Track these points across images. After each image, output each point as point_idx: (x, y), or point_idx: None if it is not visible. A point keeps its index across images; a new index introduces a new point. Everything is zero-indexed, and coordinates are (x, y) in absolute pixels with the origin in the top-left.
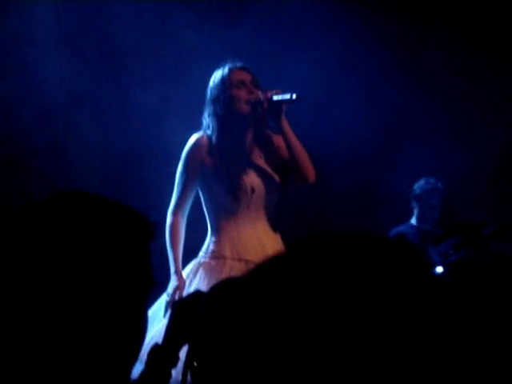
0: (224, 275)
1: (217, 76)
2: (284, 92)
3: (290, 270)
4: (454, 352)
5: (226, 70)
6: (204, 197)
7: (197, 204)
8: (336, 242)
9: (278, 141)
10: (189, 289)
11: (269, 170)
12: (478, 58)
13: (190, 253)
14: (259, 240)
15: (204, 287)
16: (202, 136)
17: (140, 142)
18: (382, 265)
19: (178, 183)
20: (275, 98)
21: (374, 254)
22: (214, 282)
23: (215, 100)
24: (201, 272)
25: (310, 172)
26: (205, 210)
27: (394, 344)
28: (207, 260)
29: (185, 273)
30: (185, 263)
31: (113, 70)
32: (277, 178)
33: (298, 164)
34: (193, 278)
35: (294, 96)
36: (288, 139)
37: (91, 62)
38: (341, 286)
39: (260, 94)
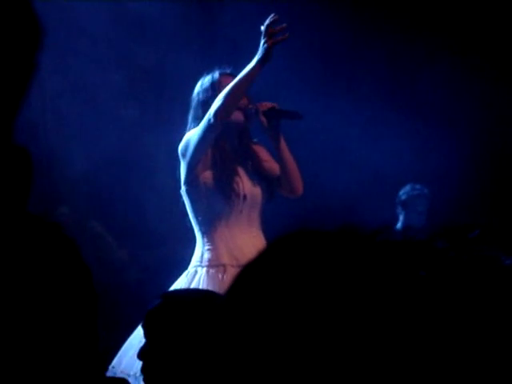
0: (226, 283)
1: (206, 80)
2: (281, 107)
3: (268, 273)
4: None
5: (217, 74)
6: (193, 205)
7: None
8: (316, 239)
9: (262, 152)
10: None
11: (257, 178)
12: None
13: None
14: (254, 245)
15: None
16: None
17: (123, 156)
18: (361, 264)
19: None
20: (276, 109)
21: (351, 253)
22: (217, 291)
23: (204, 103)
24: (201, 281)
25: (299, 185)
26: (193, 219)
27: (384, 343)
28: (205, 269)
29: (178, 285)
30: (173, 276)
31: (93, 86)
32: (264, 186)
33: (289, 177)
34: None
35: (297, 113)
36: (282, 153)
37: (71, 79)
38: (319, 287)
39: (256, 104)
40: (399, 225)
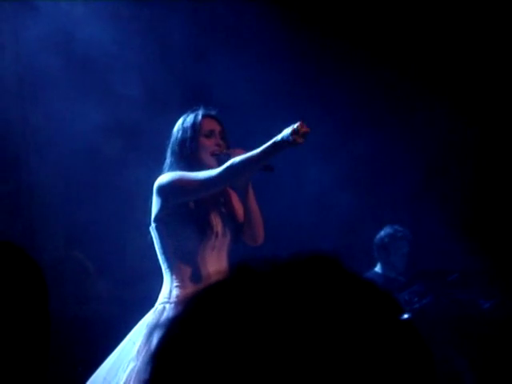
0: None
1: (188, 119)
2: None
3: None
4: None
5: (200, 116)
6: (163, 241)
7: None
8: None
9: (235, 199)
10: (152, 338)
11: (227, 220)
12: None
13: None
14: None
15: None
16: None
17: (103, 192)
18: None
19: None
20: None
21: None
22: None
23: (181, 142)
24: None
25: (261, 234)
26: (162, 256)
27: None
28: (173, 305)
29: (145, 322)
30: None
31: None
32: (232, 229)
33: (252, 225)
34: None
35: (269, 165)
36: (249, 202)
37: (53, 109)
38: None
39: (229, 151)
40: (378, 267)
